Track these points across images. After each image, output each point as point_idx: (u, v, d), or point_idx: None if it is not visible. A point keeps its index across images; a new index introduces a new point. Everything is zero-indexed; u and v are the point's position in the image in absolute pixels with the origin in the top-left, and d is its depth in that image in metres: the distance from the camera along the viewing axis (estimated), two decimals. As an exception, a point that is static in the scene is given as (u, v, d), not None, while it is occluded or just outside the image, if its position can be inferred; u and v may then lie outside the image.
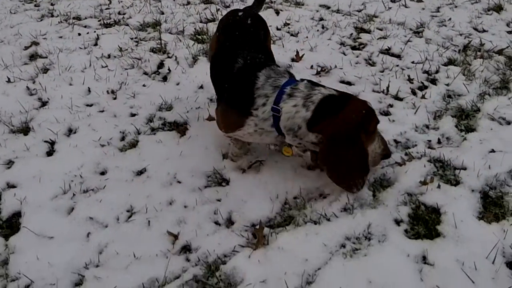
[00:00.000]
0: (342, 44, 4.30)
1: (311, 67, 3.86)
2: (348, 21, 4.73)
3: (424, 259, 2.16)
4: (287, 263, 2.17)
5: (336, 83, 3.60)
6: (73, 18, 5.20)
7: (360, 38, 4.37)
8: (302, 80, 2.44)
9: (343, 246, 2.25)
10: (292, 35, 4.55)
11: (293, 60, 4.01)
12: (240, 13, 3.03)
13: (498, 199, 2.47)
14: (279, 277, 2.11)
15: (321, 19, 4.86)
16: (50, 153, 3.05)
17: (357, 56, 4.03)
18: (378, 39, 4.32)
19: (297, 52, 4.06)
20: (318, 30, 4.60)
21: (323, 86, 2.40)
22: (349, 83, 3.62)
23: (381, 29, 4.52)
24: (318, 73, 3.76)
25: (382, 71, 3.77)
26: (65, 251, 2.35)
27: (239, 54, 2.59)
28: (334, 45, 4.26)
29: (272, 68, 2.47)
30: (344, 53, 4.11)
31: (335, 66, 3.84)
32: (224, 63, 2.65)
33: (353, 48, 4.23)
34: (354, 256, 2.19)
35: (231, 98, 2.51)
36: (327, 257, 2.19)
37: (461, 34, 4.36)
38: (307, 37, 4.47)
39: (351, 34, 4.47)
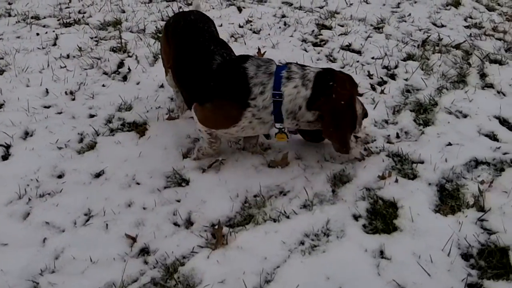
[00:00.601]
0: (304, 41, 4.31)
1: (273, 64, 3.85)
2: (310, 18, 4.75)
3: (382, 253, 2.18)
4: (246, 262, 2.16)
5: (297, 80, 3.60)
6: (32, 17, 5.09)
7: (322, 34, 4.39)
8: (289, 63, 2.51)
9: (302, 243, 2.25)
10: (254, 32, 4.54)
11: (254, 57, 4.00)
12: (191, 15, 3.01)
13: (454, 192, 2.52)
14: (238, 276, 2.10)
15: (284, 16, 4.87)
16: (5, 157, 2.97)
17: (319, 53, 4.05)
18: (339, 35, 4.35)
19: (259, 49, 4.05)
20: (280, 27, 4.60)
21: (307, 65, 2.52)
22: (310, 80, 3.62)
23: (342, 26, 4.55)
24: (279, 70, 3.75)
25: (343, 67, 3.79)
26: (19, 257, 2.30)
27: (213, 52, 2.59)
28: (296, 42, 4.27)
29: (257, 58, 2.51)
30: (305, 50, 4.12)
31: (297, 63, 3.83)
32: (197, 63, 2.60)
33: (315, 44, 4.25)
34: (313, 252, 2.19)
35: (224, 92, 2.47)
36: (286, 254, 2.19)
37: (420, 29, 4.43)
38: (269, 34, 4.47)
39: (313, 30, 4.48)
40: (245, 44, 4.26)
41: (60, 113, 3.38)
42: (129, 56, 4.15)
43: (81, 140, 3.08)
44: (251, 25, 4.71)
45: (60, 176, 2.81)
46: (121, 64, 4.05)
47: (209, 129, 2.61)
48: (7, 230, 2.44)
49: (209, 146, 2.72)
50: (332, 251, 2.18)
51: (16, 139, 3.09)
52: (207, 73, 2.53)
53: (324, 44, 4.23)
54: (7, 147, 3.04)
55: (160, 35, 4.49)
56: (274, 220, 2.39)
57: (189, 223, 2.45)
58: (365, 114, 2.69)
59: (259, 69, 2.43)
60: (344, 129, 2.47)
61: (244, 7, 5.15)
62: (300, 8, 5.09)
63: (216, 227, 2.33)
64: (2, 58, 4.15)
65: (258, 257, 2.19)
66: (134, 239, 2.35)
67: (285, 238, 2.27)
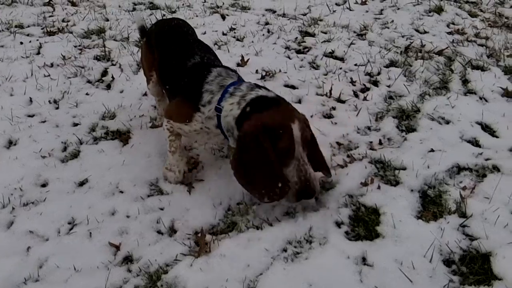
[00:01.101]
0: (287, 48, 4.33)
1: (256, 71, 3.87)
2: (293, 25, 4.78)
3: (364, 260, 2.18)
4: (229, 270, 2.17)
5: (280, 87, 3.63)
6: (15, 26, 5.07)
7: (305, 41, 4.42)
8: (249, 83, 2.44)
9: (285, 250, 2.26)
10: (238, 39, 4.56)
11: (238, 64, 4.02)
12: (174, 21, 3.09)
13: (436, 198, 2.53)
14: (221, 284, 2.10)
15: (267, 23, 4.90)
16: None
17: (302, 60, 4.07)
18: (322, 42, 4.38)
19: (243, 56, 4.06)
20: (263, 35, 4.63)
21: (267, 89, 2.39)
22: (293, 87, 3.65)
23: (325, 33, 4.58)
24: (263, 77, 3.77)
25: (326, 74, 3.82)
26: (3, 266, 2.29)
27: (195, 52, 2.63)
28: (279, 49, 4.30)
29: (226, 68, 2.52)
30: (289, 57, 4.14)
31: (280, 70, 3.87)
32: (177, 63, 2.64)
33: (298, 51, 4.27)
34: (295, 260, 2.20)
35: (184, 91, 2.50)
36: (269, 262, 2.19)
37: (403, 36, 4.47)
38: (252, 41, 4.49)
39: (296, 38, 4.51)
40: (228, 51, 4.27)
41: (44, 121, 3.37)
42: (112, 65, 4.15)
43: (64, 149, 3.08)
44: (234, 32, 4.73)
45: (44, 185, 2.80)
46: (104, 73, 4.04)
47: (168, 122, 2.58)
48: (-9, 239, 2.43)
49: (169, 147, 2.66)
50: (315, 258, 2.19)
51: (-1, 148, 3.09)
52: (182, 71, 2.57)
53: (308, 51, 4.26)
54: (-10, 157, 3.03)
55: (145, 43, 4.50)
56: (257, 228, 2.39)
57: (172, 231, 2.45)
58: (301, 193, 2.26)
59: (217, 78, 2.42)
60: (246, 169, 2.22)
61: (227, 15, 5.17)
62: (284, 15, 5.12)
63: (199, 234, 2.33)
64: (-15, 67, 4.13)
65: (241, 264, 2.19)
66: (117, 247, 2.35)
67: (268, 246, 2.27)
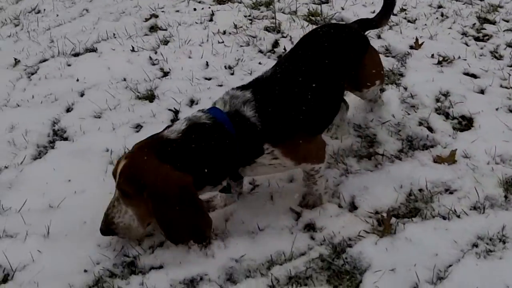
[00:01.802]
0: (464, 34, 4.10)
1: (432, 55, 3.72)
2: (470, 10, 4.51)
3: None
4: (416, 255, 2.12)
5: (459, 75, 3.45)
6: (189, -8, 5.31)
7: (485, 29, 4.15)
8: (211, 118, 2.18)
9: (476, 245, 2.16)
10: (409, 21, 4.40)
11: (411, 47, 3.88)
12: (324, 29, 2.75)
13: None
14: (408, 268, 2.06)
15: (440, 7, 4.67)
16: (174, 120, 3.14)
17: (482, 48, 3.83)
18: (504, 31, 4.08)
19: (417, 39, 3.92)
20: (437, 18, 4.42)
21: (209, 128, 2.14)
22: (474, 76, 3.45)
23: (507, 21, 4.27)
24: (439, 62, 3.61)
25: (511, 66, 3.56)
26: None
27: (275, 70, 2.45)
28: (455, 35, 4.08)
29: (247, 94, 2.27)
30: (466, 44, 3.92)
31: (459, 57, 3.67)
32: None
33: (477, 39, 4.03)
34: (488, 257, 2.09)
35: None
36: (459, 254, 2.11)
37: None
38: (425, 24, 4.31)
39: (474, 24, 4.25)
40: (400, 33, 4.14)
41: (221, 85, 3.52)
42: (283, 37, 4.21)
43: (242, 114, 3.19)
44: (405, 13, 4.57)
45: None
46: (275, 44, 4.11)
47: None
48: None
49: None
50: (511, 260, 2.07)
51: (183, 105, 3.29)
52: None
53: (488, 39, 4.00)
54: (176, 112, 3.23)
55: (312, 17, 4.52)
56: (443, 217, 2.32)
57: (352, 206, 2.45)
58: None
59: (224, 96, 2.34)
60: None
61: (397, -5, 5.00)
62: (458, -1, 4.86)
63: (385, 215, 2.31)
64: (166, 30, 4.39)
65: (429, 252, 2.13)
66: (299, 214, 2.40)
67: (456, 238, 2.19)
